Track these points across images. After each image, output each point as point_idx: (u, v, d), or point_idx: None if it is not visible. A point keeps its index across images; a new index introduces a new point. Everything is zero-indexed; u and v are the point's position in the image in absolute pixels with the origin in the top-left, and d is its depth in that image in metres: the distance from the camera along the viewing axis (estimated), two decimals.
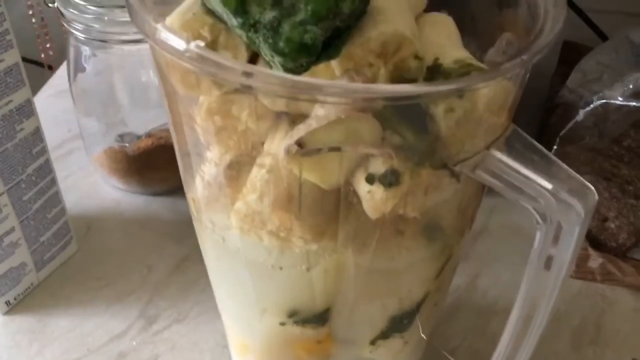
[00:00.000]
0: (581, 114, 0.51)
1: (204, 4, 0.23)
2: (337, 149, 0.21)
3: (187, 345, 0.42)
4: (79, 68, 0.51)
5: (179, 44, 0.19)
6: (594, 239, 0.49)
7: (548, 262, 0.23)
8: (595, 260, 0.48)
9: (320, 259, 0.25)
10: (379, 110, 0.22)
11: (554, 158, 0.23)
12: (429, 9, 0.27)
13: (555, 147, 0.51)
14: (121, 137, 0.53)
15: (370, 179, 0.22)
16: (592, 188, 0.22)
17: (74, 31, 0.46)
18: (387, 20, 0.22)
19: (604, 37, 0.63)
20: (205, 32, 0.23)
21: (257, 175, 0.24)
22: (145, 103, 0.53)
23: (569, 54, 0.58)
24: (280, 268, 0.26)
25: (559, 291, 0.24)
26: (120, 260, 0.48)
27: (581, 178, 0.22)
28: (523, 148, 0.23)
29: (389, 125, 0.22)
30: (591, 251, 0.48)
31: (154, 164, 0.51)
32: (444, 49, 0.24)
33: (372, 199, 0.23)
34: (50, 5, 0.48)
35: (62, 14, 0.46)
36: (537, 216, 0.22)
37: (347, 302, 0.28)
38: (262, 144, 0.24)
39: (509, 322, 0.27)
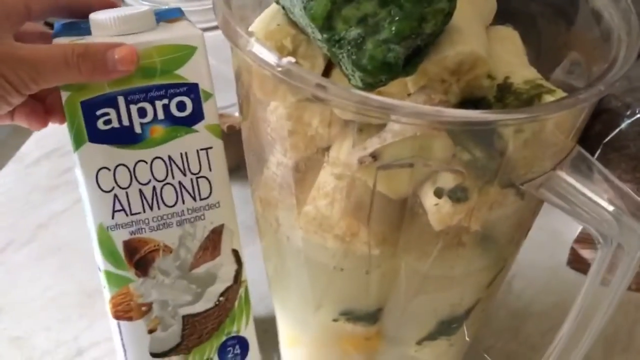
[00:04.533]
0: (626, 123, 0.51)
1: (287, 16, 0.23)
2: (410, 165, 0.22)
3: None
4: None
5: (271, 58, 0.20)
6: None
7: (607, 279, 0.24)
8: None
9: (381, 263, 0.26)
10: (451, 129, 0.23)
11: (617, 181, 0.23)
12: (495, 21, 0.28)
13: (598, 153, 0.52)
14: None
15: (438, 193, 0.23)
16: None
17: None
18: (464, 40, 0.23)
19: None
20: (288, 43, 0.23)
21: (328, 182, 0.25)
22: None
23: None
24: (342, 270, 0.27)
25: (615, 307, 0.25)
26: None
27: None
28: (587, 169, 0.24)
29: (459, 141, 0.23)
30: None
31: None
32: (513, 67, 0.25)
33: (439, 212, 0.23)
34: None
35: None
36: (599, 236, 0.23)
37: (400, 304, 0.29)
38: (329, 148, 0.25)
39: (560, 333, 0.28)
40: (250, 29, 0.24)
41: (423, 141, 0.22)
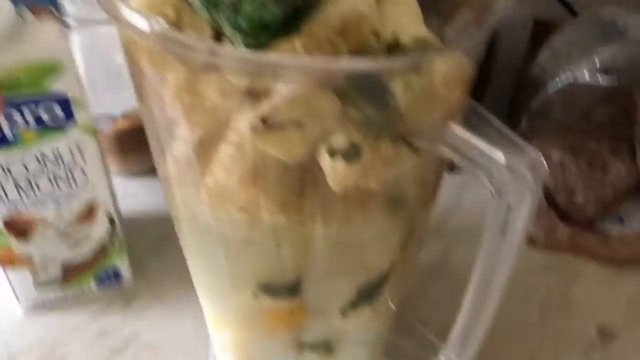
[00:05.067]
0: (549, 90, 0.52)
1: None
2: (299, 124, 0.22)
3: (167, 322, 0.43)
4: None
5: (142, 23, 0.20)
6: (562, 212, 0.50)
7: (503, 231, 0.24)
8: (563, 232, 0.49)
9: (289, 233, 0.26)
10: (340, 86, 0.23)
11: (509, 132, 0.24)
12: None
13: (524, 122, 0.53)
14: (97, 118, 0.54)
15: (332, 153, 0.23)
16: (542, 160, 0.23)
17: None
18: None
19: (574, 14, 0.64)
20: (170, 11, 0.23)
21: (226, 152, 0.24)
22: (119, 84, 0.53)
23: (540, 32, 0.59)
24: (251, 242, 0.26)
25: (514, 257, 0.25)
26: None
27: (533, 150, 0.23)
28: (479, 122, 0.24)
29: (349, 101, 0.23)
30: (559, 224, 0.49)
31: (131, 145, 0.52)
32: (403, 27, 0.25)
33: (335, 172, 0.23)
34: None
35: None
36: (492, 187, 0.23)
37: (317, 273, 0.28)
38: (229, 120, 0.25)
39: (468, 290, 0.28)
40: (131, 1, 0.23)
41: (311, 101, 0.22)
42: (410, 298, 0.46)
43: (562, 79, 0.52)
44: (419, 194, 0.27)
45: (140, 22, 0.20)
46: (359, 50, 0.24)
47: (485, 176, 0.23)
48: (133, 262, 0.47)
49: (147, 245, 0.48)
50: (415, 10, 0.27)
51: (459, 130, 0.24)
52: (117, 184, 0.53)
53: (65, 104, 0.29)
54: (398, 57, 0.22)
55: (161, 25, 0.20)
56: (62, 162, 0.32)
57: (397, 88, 0.23)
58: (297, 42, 0.23)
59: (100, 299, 0.44)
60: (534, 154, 0.23)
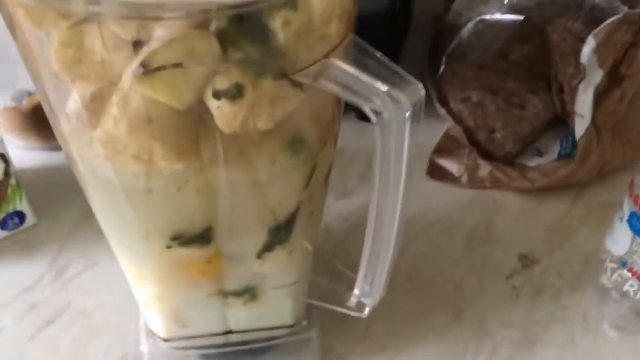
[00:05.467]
0: (462, 33, 0.53)
1: None
2: (178, 65, 0.22)
3: (98, 289, 0.44)
4: None
5: None
6: (483, 150, 0.52)
7: (389, 158, 0.25)
8: (485, 169, 0.51)
9: (189, 178, 0.27)
10: (221, 27, 0.23)
11: (389, 62, 0.24)
12: None
13: (442, 67, 0.54)
14: (15, 95, 0.53)
15: (216, 95, 0.24)
16: (419, 84, 0.24)
17: None
18: None
19: None
20: None
21: (112, 102, 0.24)
22: None
23: None
24: (151, 191, 0.27)
25: (403, 186, 0.26)
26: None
27: (411, 77, 0.24)
28: (360, 55, 0.25)
29: (230, 42, 0.23)
30: (480, 161, 0.51)
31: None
32: None
33: (222, 114, 0.24)
34: None
35: None
36: (373, 116, 0.24)
37: (225, 218, 0.29)
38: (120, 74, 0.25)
39: (367, 230, 0.29)
40: None
41: (188, 43, 0.22)
42: (340, 244, 0.47)
43: (472, 21, 0.53)
44: (316, 131, 0.28)
45: None
46: None
47: (367, 106, 0.24)
48: (63, 235, 0.47)
49: (74, 217, 0.48)
50: None
51: (339, 64, 0.24)
52: (39, 158, 0.53)
53: None
54: None
55: None
56: None
57: (276, 26, 0.23)
58: None
59: (29, 271, 0.44)
60: (413, 81, 0.24)
